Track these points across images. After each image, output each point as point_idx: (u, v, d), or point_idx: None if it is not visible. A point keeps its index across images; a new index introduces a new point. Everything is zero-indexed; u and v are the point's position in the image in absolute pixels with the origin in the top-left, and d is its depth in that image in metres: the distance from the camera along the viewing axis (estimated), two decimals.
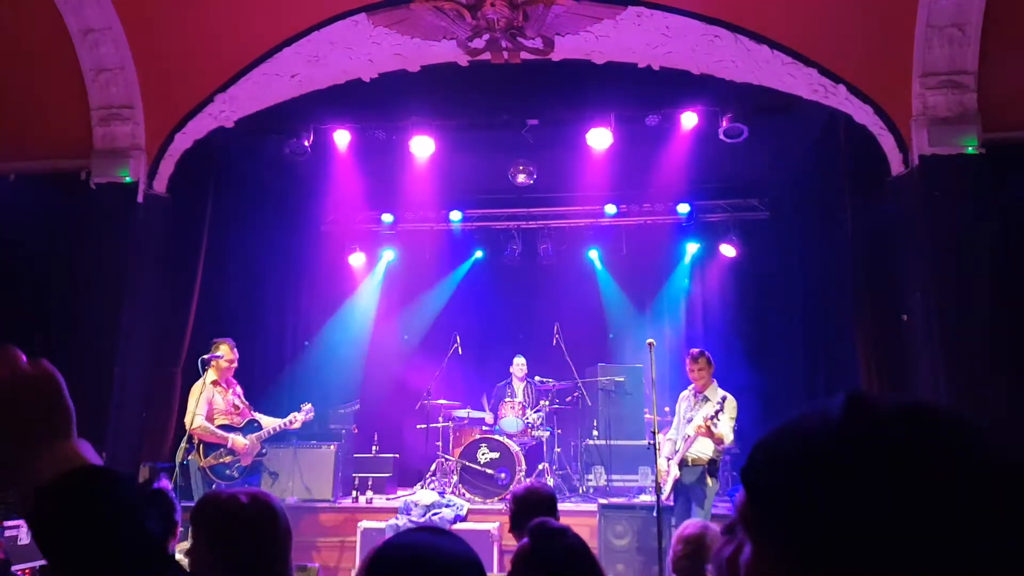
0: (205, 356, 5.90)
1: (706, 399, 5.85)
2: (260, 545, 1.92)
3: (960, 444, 0.64)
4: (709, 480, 5.69)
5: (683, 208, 9.72)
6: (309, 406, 6.27)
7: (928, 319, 6.03)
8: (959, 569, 0.60)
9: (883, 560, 0.61)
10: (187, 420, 5.80)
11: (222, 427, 5.80)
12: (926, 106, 6.24)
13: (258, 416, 6.17)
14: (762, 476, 0.73)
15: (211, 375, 5.98)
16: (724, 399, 5.71)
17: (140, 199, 6.92)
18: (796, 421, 0.73)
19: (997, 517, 0.60)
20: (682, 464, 5.77)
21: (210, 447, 5.78)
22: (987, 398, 5.71)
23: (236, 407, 6.01)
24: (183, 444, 5.78)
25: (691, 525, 3.13)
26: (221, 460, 5.78)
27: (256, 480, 6.06)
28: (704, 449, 5.72)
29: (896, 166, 6.45)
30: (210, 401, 5.88)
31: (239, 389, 6.18)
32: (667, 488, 5.71)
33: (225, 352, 6.00)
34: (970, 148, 6.14)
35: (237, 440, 5.83)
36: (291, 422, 6.17)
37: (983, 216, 5.97)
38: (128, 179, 6.89)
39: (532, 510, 3.02)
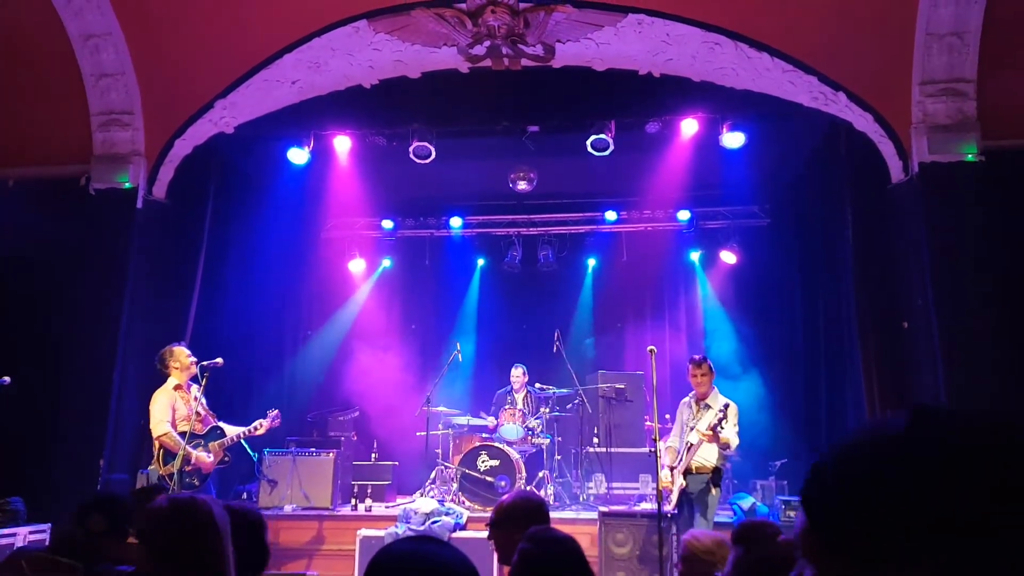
0: (204, 363, 5.84)
1: (708, 407, 5.81)
2: (176, 546, 2.02)
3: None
4: (713, 489, 5.66)
5: (683, 215, 9.72)
6: (276, 412, 6.04)
7: (929, 326, 6.03)
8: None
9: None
10: (152, 427, 5.65)
11: (183, 434, 5.61)
12: (926, 114, 6.25)
13: (222, 424, 5.99)
14: (827, 500, 0.74)
15: (173, 380, 5.84)
16: (727, 406, 5.68)
17: (139, 205, 6.91)
18: (857, 441, 0.76)
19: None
20: (687, 473, 5.73)
21: (169, 455, 5.61)
22: (988, 405, 5.70)
23: (198, 414, 5.81)
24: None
25: (697, 534, 3.12)
26: (181, 468, 5.57)
27: (209, 486, 5.84)
28: (709, 456, 5.68)
29: (896, 173, 6.46)
30: (173, 407, 5.73)
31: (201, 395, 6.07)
32: (673, 498, 5.68)
33: (180, 355, 5.85)
34: (970, 156, 6.16)
35: (201, 457, 5.65)
36: (255, 429, 5.91)
37: (983, 223, 5.97)
38: (128, 185, 6.90)
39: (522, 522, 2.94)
